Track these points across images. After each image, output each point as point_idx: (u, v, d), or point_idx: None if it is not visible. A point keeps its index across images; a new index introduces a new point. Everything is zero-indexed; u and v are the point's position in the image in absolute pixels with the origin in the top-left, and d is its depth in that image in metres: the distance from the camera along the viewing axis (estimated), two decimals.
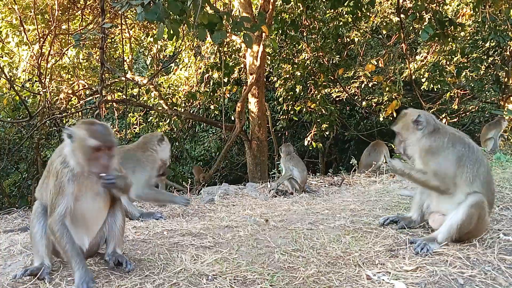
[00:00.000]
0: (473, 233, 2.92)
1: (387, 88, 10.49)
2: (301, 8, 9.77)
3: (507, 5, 7.84)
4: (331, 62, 11.34)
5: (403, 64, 11.46)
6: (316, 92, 11.41)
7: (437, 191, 3.06)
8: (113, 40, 11.73)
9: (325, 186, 6.55)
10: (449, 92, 12.15)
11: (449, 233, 2.85)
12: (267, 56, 10.64)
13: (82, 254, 2.58)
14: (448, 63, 11.20)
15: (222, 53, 10.54)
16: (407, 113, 3.29)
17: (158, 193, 4.55)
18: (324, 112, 11.36)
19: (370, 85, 12.01)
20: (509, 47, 10.83)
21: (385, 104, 10.76)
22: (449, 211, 2.97)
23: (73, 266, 2.48)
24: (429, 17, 8.19)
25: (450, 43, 9.35)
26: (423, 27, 7.47)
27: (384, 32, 11.72)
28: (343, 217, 3.66)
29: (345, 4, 8.28)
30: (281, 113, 12.28)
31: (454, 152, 3.01)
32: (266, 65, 10.60)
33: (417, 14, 7.96)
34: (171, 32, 4.53)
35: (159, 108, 10.92)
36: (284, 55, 11.33)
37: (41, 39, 9.40)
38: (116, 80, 11.37)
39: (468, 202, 2.86)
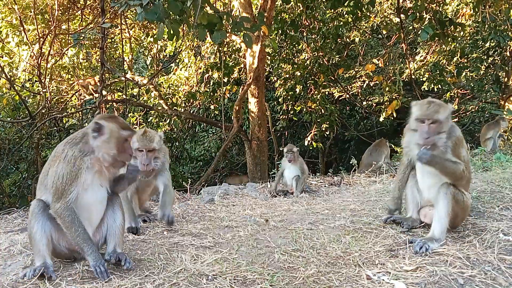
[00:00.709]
0: (462, 215, 3.06)
1: (387, 88, 10.49)
2: (301, 8, 9.76)
3: (507, 5, 7.84)
4: (331, 62, 11.34)
5: (403, 64, 11.46)
6: (316, 92, 11.41)
7: (460, 181, 3.07)
8: (113, 40, 11.73)
9: (325, 186, 6.55)
10: (449, 92, 12.14)
11: (442, 225, 2.93)
12: (267, 56, 10.63)
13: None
14: (448, 63, 11.19)
15: (222, 53, 10.54)
16: (445, 104, 3.13)
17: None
18: (324, 112, 11.36)
19: (370, 85, 12.01)
20: (509, 47, 10.82)
21: (385, 104, 10.76)
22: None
23: (86, 250, 2.59)
24: (429, 17, 8.19)
25: (450, 43, 9.35)
26: (423, 27, 7.47)
27: (384, 32, 11.72)
28: (343, 217, 3.66)
29: (345, 4, 8.27)
30: (281, 113, 12.27)
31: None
32: (266, 65, 10.60)
33: (417, 14, 7.96)
34: (171, 32, 4.53)
35: (159, 108, 10.92)
36: (284, 55, 11.33)
37: (41, 39, 9.40)
38: (116, 80, 11.37)
39: (443, 190, 2.99)
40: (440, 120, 3.00)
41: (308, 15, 9.95)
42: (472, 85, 12.33)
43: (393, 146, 9.34)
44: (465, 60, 11.03)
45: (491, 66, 11.66)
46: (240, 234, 3.27)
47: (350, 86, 12.16)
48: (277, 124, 12.78)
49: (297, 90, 11.39)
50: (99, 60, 8.02)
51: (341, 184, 6.15)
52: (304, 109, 11.57)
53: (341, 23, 10.35)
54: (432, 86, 11.13)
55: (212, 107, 11.94)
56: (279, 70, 11.51)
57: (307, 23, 10.45)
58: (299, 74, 11.09)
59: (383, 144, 8.35)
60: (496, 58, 11.42)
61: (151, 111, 11.65)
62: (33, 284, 2.46)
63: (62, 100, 11.23)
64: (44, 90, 9.52)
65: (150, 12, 4.26)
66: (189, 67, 11.62)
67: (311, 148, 11.89)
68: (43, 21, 9.78)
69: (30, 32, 9.56)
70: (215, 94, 11.59)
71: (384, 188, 5.18)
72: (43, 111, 9.78)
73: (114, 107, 12.11)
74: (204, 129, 14.40)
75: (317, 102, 11.27)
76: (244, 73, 11.07)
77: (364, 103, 11.99)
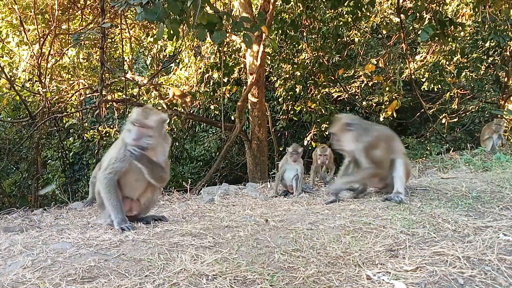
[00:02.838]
0: (408, 174, 4.31)
1: (387, 88, 10.49)
2: (301, 8, 9.77)
3: (507, 5, 7.84)
4: (331, 62, 11.34)
5: (403, 64, 11.46)
6: (316, 92, 11.41)
7: (380, 176, 4.23)
8: (113, 40, 11.73)
9: (325, 186, 6.56)
10: (449, 92, 12.15)
11: (402, 182, 4.06)
12: (267, 56, 10.64)
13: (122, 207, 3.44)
14: (448, 63, 11.20)
15: (222, 53, 10.54)
16: (341, 118, 4.27)
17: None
18: (324, 112, 11.36)
19: (370, 85, 12.01)
20: (509, 47, 10.83)
21: (385, 104, 10.76)
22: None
23: (113, 212, 3.41)
24: (429, 17, 8.19)
25: (450, 43, 9.36)
26: (423, 27, 7.47)
27: (384, 32, 11.73)
28: (343, 217, 3.66)
29: (345, 4, 8.28)
30: (281, 113, 12.28)
31: (382, 141, 4.13)
32: (266, 65, 10.60)
33: (417, 14, 7.96)
34: (171, 32, 4.53)
35: (159, 108, 10.92)
36: (284, 55, 11.33)
37: (41, 39, 9.40)
38: (116, 80, 11.38)
39: (399, 162, 4.13)
40: (333, 133, 4.31)
41: (308, 15, 9.96)
42: (472, 85, 12.34)
43: None
44: (465, 60, 11.03)
45: (491, 66, 11.66)
46: (240, 234, 3.27)
47: (350, 86, 12.16)
48: (277, 124, 12.78)
49: (297, 90, 11.38)
50: (99, 60, 8.02)
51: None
52: (304, 109, 11.57)
53: (341, 23, 10.35)
54: (432, 86, 11.13)
55: (212, 107, 11.94)
56: (279, 70, 11.51)
57: (307, 23, 10.45)
58: (299, 74, 11.09)
59: None
60: (496, 58, 11.42)
61: None
62: (33, 284, 2.46)
63: (62, 100, 11.23)
64: (44, 90, 9.52)
65: (150, 12, 4.26)
66: (189, 67, 11.62)
67: (310, 148, 11.89)
68: (43, 21, 9.79)
69: (30, 32, 9.57)
70: (215, 94, 11.59)
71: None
72: (43, 110, 9.78)
73: (114, 107, 12.12)
74: (204, 129, 14.40)
75: (317, 102, 11.27)
76: (244, 73, 11.07)
77: (364, 103, 11.99)
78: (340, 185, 4.51)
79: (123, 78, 10.11)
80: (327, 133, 11.65)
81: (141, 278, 2.48)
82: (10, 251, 3.04)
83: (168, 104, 10.71)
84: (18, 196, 11.00)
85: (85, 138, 11.86)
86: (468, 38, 11.14)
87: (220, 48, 10.55)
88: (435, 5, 8.53)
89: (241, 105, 9.12)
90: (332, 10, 9.90)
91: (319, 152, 6.61)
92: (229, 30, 6.30)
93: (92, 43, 10.25)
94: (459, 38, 10.47)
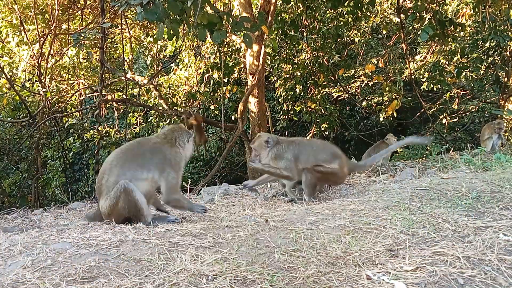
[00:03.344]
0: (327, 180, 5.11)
1: (387, 88, 10.49)
2: (301, 8, 9.76)
3: (507, 5, 7.84)
4: (331, 62, 11.33)
5: (403, 64, 11.46)
6: (316, 92, 11.41)
7: (288, 179, 4.93)
8: (113, 40, 11.73)
9: (325, 186, 6.55)
10: (449, 92, 12.15)
11: (308, 190, 4.81)
12: (267, 56, 10.63)
13: None
14: (448, 63, 11.19)
15: (222, 53, 10.54)
16: (260, 136, 4.98)
17: (183, 199, 4.10)
18: (324, 112, 11.36)
19: (370, 85, 12.01)
20: (509, 47, 10.82)
21: (385, 104, 10.76)
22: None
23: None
24: (429, 17, 8.19)
25: (450, 43, 9.36)
26: (423, 27, 7.47)
27: (384, 32, 11.73)
28: (343, 217, 3.65)
29: (345, 4, 8.27)
30: (281, 113, 12.28)
31: (290, 152, 4.79)
32: (266, 65, 10.60)
33: (417, 14, 7.96)
34: (171, 32, 4.53)
35: (159, 108, 10.92)
36: (284, 55, 11.33)
37: (41, 39, 9.40)
38: (116, 80, 11.38)
39: (304, 172, 4.78)
40: (253, 148, 4.98)
41: (308, 15, 9.95)
42: (472, 85, 12.33)
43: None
44: (465, 60, 11.03)
45: (491, 66, 11.66)
46: (240, 234, 3.27)
47: (350, 86, 12.16)
48: (277, 124, 12.78)
49: (297, 90, 11.38)
50: (99, 60, 8.02)
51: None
52: (304, 109, 11.57)
53: (341, 23, 10.34)
54: (432, 86, 11.13)
55: (212, 107, 11.93)
56: (279, 70, 11.51)
57: (307, 23, 10.45)
58: (299, 74, 11.08)
59: (385, 147, 8.27)
60: (496, 58, 11.42)
61: (151, 111, 11.65)
62: (33, 284, 2.46)
63: (62, 100, 11.23)
64: (44, 90, 9.52)
65: (150, 12, 4.26)
66: (189, 67, 11.62)
67: None
68: (43, 21, 9.78)
69: (30, 32, 9.56)
70: (215, 94, 11.59)
71: (384, 188, 5.17)
72: (43, 110, 9.78)
73: (114, 107, 12.13)
74: (204, 129, 14.39)
75: (317, 102, 11.27)
76: (244, 73, 11.07)
77: (364, 103, 11.99)
78: (254, 181, 5.40)
79: (123, 78, 10.11)
80: (327, 133, 11.66)
81: (141, 278, 2.48)
82: (10, 251, 3.04)
83: (169, 104, 10.71)
84: (18, 196, 11.01)
85: (85, 138, 11.86)
86: (468, 38, 11.14)
87: (220, 48, 10.55)
88: (435, 5, 8.52)
89: (243, 106, 9.12)
90: (332, 10, 9.89)
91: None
92: (229, 30, 6.31)
93: (92, 43, 10.25)
94: (459, 38, 10.47)
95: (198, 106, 12.37)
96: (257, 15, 8.16)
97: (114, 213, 3.70)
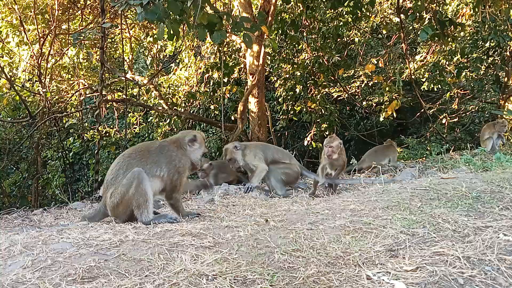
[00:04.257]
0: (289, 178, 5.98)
1: (387, 88, 10.49)
2: (301, 8, 9.76)
3: (507, 5, 7.84)
4: (331, 62, 11.33)
5: (403, 64, 11.46)
6: (316, 92, 11.40)
7: (265, 170, 5.71)
8: (113, 40, 11.73)
9: (325, 186, 6.55)
10: (449, 92, 12.14)
11: (277, 184, 5.75)
12: (267, 56, 10.63)
13: None
14: (448, 63, 11.19)
15: (222, 53, 10.54)
16: (227, 147, 5.90)
17: (181, 202, 4.26)
18: (324, 112, 11.36)
19: (370, 85, 12.01)
20: (509, 47, 10.82)
21: (385, 104, 10.76)
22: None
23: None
24: (429, 17, 8.19)
25: (450, 43, 9.35)
26: (423, 27, 7.47)
27: (384, 32, 11.72)
28: (343, 217, 3.65)
29: (345, 4, 8.27)
30: (281, 113, 12.27)
31: (259, 151, 5.83)
32: (266, 65, 10.60)
33: (417, 14, 7.97)
34: (171, 32, 4.54)
35: (159, 108, 10.92)
36: (284, 55, 11.32)
37: (41, 39, 9.41)
38: (116, 80, 11.38)
39: (271, 168, 5.80)
40: (229, 160, 5.91)
41: (308, 15, 9.95)
42: (472, 85, 12.33)
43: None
44: (465, 60, 11.03)
45: (491, 66, 11.65)
46: (240, 234, 3.27)
47: (350, 86, 12.16)
48: (277, 124, 12.78)
49: (297, 90, 11.37)
50: (99, 60, 8.03)
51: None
52: (304, 109, 11.56)
53: (341, 23, 10.34)
54: (432, 86, 11.12)
55: (212, 107, 11.93)
56: (279, 70, 11.51)
57: (307, 23, 10.45)
58: (299, 74, 11.08)
59: (390, 149, 8.16)
60: (496, 58, 11.41)
61: (151, 111, 11.65)
62: (33, 284, 2.46)
63: (62, 100, 11.23)
64: (44, 90, 9.52)
65: (150, 12, 4.27)
66: (189, 67, 11.62)
67: (311, 148, 11.89)
68: (43, 21, 9.79)
69: (30, 32, 9.57)
70: (215, 94, 11.59)
71: (384, 188, 5.17)
72: (43, 110, 9.78)
73: (114, 107, 12.13)
74: (204, 129, 14.39)
75: (317, 102, 11.26)
76: (244, 73, 11.07)
77: (364, 103, 11.98)
78: (255, 182, 5.87)
79: (123, 78, 10.11)
80: (327, 133, 11.66)
81: (141, 278, 2.48)
82: (10, 251, 3.04)
83: (169, 104, 10.72)
84: (18, 196, 11.02)
85: (85, 138, 11.87)
86: (468, 38, 11.13)
87: (220, 48, 10.54)
88: (435, 5, 8.53)
89: (243, 106, 9.12)
90: (332, 10, 9.89)
91: (325, 142, 5.69)
92: (229, 30, 6.31)
93: (92, 43, 10.25)
94: (459, 38, 10.46)
95: (198, 106, 12.37)
96: (257, 15, 8.17)
97: (123, 203, 3.79)
